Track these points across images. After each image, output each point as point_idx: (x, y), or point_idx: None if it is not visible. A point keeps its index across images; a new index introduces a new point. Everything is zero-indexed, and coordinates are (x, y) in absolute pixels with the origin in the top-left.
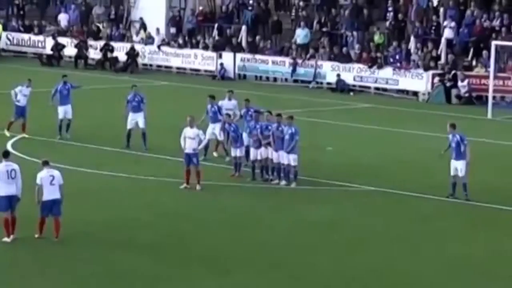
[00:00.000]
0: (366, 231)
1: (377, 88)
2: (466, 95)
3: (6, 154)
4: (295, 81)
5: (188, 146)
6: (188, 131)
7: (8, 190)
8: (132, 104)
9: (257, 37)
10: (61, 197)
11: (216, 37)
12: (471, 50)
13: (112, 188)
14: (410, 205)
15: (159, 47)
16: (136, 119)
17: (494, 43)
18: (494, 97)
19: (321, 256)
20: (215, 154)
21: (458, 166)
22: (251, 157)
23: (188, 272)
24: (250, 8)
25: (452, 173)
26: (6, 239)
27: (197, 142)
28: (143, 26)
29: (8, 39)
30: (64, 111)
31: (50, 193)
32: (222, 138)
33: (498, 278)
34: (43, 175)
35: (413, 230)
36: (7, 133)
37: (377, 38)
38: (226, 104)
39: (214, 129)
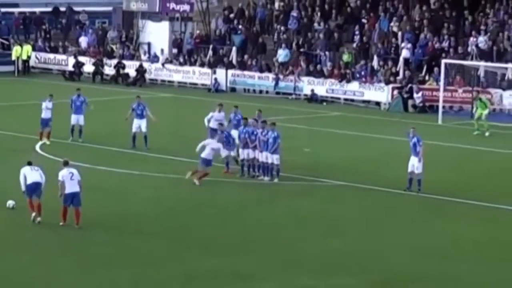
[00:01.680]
0: (338, 219)
1: (346, 99)
2: (421, 105)
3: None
4: (277, 93)
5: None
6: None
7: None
8: (136, 111)
9: (245, 56)
10: (80, 190)
11: (211, 56)
12: (425, 67)
13: (123, 184)
14: (374, 197)
15: (163, 64)
16: (139, 124)
17: (443, 61)
18: (443, 107)
19: (301, 240)
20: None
21: (414, 164)
22: (240, 156)
23: (185, 255)
24: (239, 32)
25: (409, 169)
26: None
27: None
28: (150, 47)
29: (37, 58)
30: (76, 119)
31: (71, 187)
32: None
33: (453, 260)
34: (64, 172)
35: (378, 219)
36: (47, 142)
37: (346, 57)
38: (217, 115)
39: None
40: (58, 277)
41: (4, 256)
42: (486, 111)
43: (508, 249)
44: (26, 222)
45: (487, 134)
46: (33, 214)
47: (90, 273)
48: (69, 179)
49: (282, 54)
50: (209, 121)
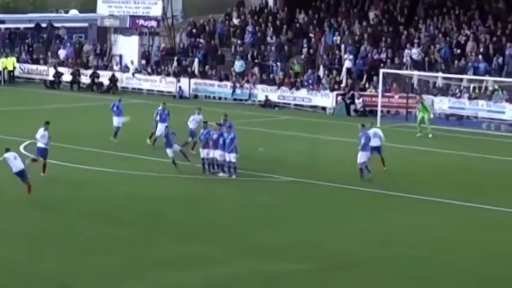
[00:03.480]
0: (291, 210)
1: (295, 105)
2: (361, 109)
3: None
4: (235, 99)
5: None
6: None
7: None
8: (161, 116)
9: (206, 67)
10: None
11: (176, 67)
12: (365, 76)
13: (102, 180)
14: (322, 191)
15: (133, 74)
16: (163, 127)
17: (381, 71)
18: (382, 111)
19: (259, 228)
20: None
21: (362, 156)
22: (201, 155)
23: (158, 241)
24: (200, 45)
25: (358, 160)
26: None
27: None
28: (121, 59)
29: (21, 68)
30: (117, 121)
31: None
32: None
33: (393, 245)
34: (8, 155)
35: (326, 209)
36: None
37: (296, 67)
38: (196, 117)
39: None
40: (42, 265)
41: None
42: (427, 115)
43: (428, 232)
44: (9, 213)
45: (430, 136)
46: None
47: (73, 260)
48: (13, 159)
49: (238, 65)
50: (190, 122)
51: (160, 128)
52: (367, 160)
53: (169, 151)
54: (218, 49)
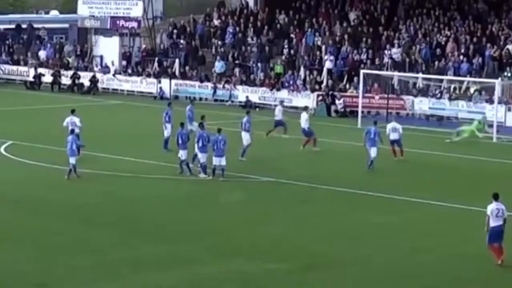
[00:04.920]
0: (269, 211)
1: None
2: (342, 110)
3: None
4: (216, 100)
5: None
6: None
7: None
8: (165, 118)
9: (187, 68)
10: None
11: (157, 68)
12: (346, 77)
13: (80, 181)
14: (298, 191)
15: (114, 75)
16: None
17: (362, 71)
18: (362, 112)
19: (236, 228)
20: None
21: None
22: (181, 156)
23: (134, 242)
24: (181, 46)
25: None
26: None
27: None
28: (102, 59)
29: (1, 69)
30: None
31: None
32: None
33: (369, 245)
34: None
35: (301, 209)
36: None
37: (278, 68)
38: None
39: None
40: (18, 266)
41: None
42: (476, 131)
43: (403, 232)
44: None
45: (447, 140)
46: None
47: (49, 260)
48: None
49: (218, 66)
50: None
51: (168, 129)
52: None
53: (182, 153)
54: (198, 50)
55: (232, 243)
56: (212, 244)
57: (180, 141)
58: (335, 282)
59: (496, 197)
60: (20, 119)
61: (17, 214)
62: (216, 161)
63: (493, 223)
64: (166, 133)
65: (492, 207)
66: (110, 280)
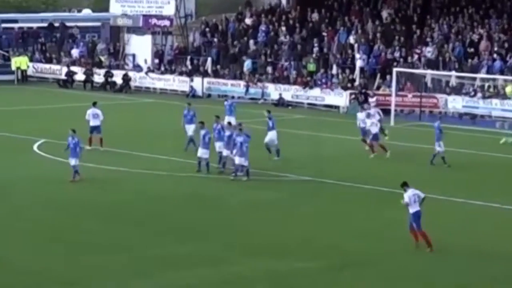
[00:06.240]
0: (301, 209)
1: (309, 104)
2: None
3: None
4: (250, 98)
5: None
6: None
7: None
8: (187, 117)
9: (219, 66)
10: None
11: (189, 66)
12: (378, 75)
13: (108, 178)
14: (331, 189)
15: (146, 73)
16: (189, 128)
17: (395, 70)
18: (395, 110)
19: (267, 228)
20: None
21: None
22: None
23: (167, 240)
24: (214, 44)
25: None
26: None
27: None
28: (134, 58)
29: (34, 68)
30: (188, 129)
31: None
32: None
33: (400, 242)
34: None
35: (333, 208)
36: (100, 148)
37: (311, 66)
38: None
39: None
40: (49, 264)
41: (3, 244)
42: None
43: (435, 231)
44: (17, 211)
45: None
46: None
47: (80, 259)
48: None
49: (249, 64)
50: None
51: (187, 130)
52: None
53: (204, 152)
54: (230, 48)
55: (262, 242)
56: (242, 243)
57: (205, 140)
58: (367, 281)
59: None
60: (52, 117)
61: (48, 212)
62: (239, 161)
63: None
64: (190, 132)
65: None
66: (140, 278)
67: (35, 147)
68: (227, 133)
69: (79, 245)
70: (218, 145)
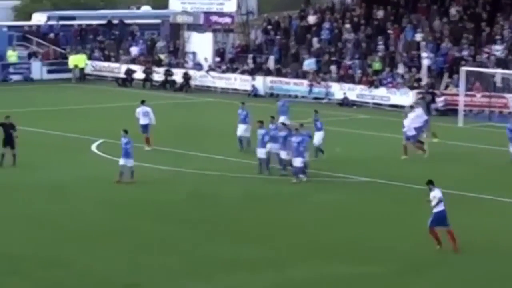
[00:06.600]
0: (365, 212)
1: (374, 103)
2: (443, 108)
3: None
4: (315, 98)
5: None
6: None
7: None
8: (240, 117)
9: (281, 65)
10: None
11: (251, 64)
12: (446, 74)
13: (163, 178)
14: (395, 192)
15: (207, 72)
16: (243, 128)
17: (463, 69)
18: (464, 110)
19: (330, 230)
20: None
21: None
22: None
23: (224, 241)
24: (276, 42)
25: None
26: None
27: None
28: (195, 56)
29: (92, 66)
30: (240, 129)
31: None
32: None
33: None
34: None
35: (398, 211)
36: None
37: (377, 65)
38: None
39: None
40: (107, 265)
41: (64, 245)
42: None
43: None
44: (74, 213)
45: None
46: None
47: (137, 261)
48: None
49: (311, 63)
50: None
51: (240, 129)
52: None
53: (261, 152)
54: (293, 46)
55: (325, 245)
56: (303, 246)
57: (264, 140)
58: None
59: None
60: (111, 117)
61: (107, 213)
62: (297, 162)
63: None
64: (244, 132)
65: None
66: (198, 280)
67: (93, 147)
68: (282, 133)
69: (138, 246)
70: (269, 147)
